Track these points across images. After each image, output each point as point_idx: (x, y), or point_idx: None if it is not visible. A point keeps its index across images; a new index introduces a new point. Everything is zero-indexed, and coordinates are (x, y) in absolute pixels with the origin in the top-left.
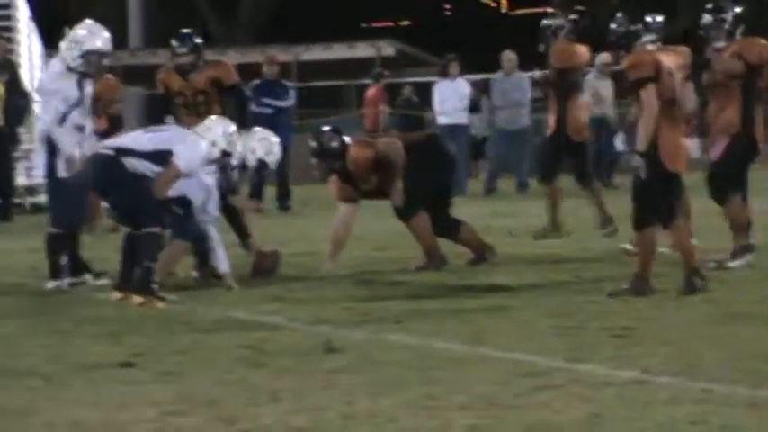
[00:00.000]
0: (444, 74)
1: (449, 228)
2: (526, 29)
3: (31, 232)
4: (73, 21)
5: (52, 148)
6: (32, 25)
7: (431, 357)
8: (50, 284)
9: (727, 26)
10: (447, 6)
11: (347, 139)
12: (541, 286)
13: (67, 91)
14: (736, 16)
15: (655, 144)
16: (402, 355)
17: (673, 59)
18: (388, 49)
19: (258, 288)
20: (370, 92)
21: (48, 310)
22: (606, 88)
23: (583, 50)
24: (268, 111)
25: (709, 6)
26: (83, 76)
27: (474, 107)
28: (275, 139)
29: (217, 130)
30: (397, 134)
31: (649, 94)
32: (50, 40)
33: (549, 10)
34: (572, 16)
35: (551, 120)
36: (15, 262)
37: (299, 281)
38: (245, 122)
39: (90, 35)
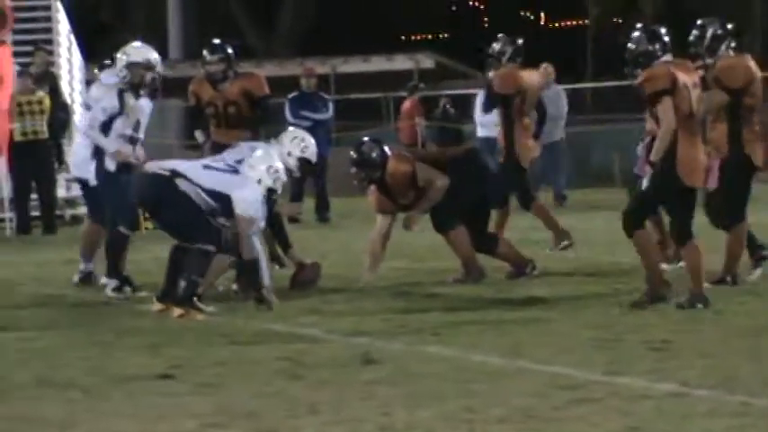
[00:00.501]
0: None
1: (487, 243)
2: (564, 41)
3: (71, 244)
4: (113, 34)
5: (98, 152)
6: (72, 38)
7: (468, 370)
8: (104, 280)
9: (706, 42)
10: (486, 19)
11: (387, 150)
12: (579, 299)
13: (106, 100)
14: (718, 33)
15: (672, 158)
16: (440, 367)
17: (689, 75)
18: (426, 61)
19: (296, 300)
20: (406, 105)
21: (87, 321)
22: None
23: (528, 75)
24: (306, 123)
25: (699, 22)
26: (130, 87)
27: None
28: (304, 133)
29: (261, 167)
30: (437, 148)
31: (666, 108)
32: (90, 52)
33: (587, 22)
34: (518, 40)
35: (501, 144)
36: (55, 274)
37: (337, 293)
38: (258, 135)
39: (138, 49)
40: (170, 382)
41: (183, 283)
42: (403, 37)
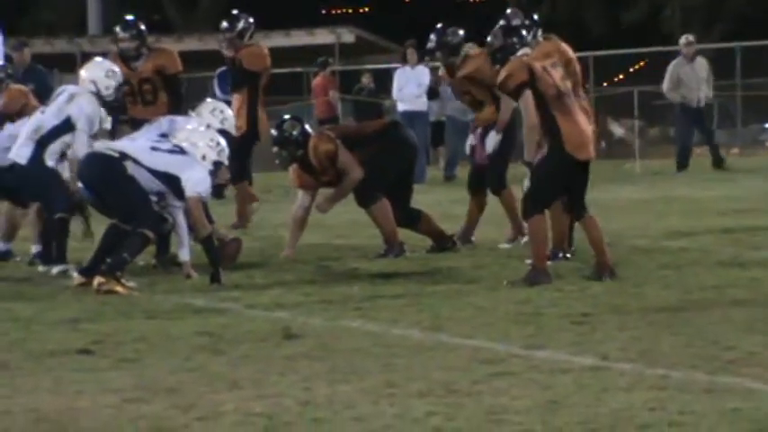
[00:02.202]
0: (405, 60)
1: (409, 218)
2: (485, 16)
3: None
4: (30, 9)
5: (39, 146)
6: None
7: (390, 344)
8: (57, 269)
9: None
10: None
11: (308, 128)
12: (499, 273)
13: (95, 117)
14: (523, 24)
15: (559, 138)
16: (361, 341)
17: (548, 58)
18: (347, 35)
19: None
20: (317, 81)
21: (6, 296)
22: (687, 73)
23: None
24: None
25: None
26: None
27: (433, 93)
28: (222, 105)
29: (202, 143)
30: (357, 124)
31: (527, 104)
32: (9, 29)
33: None
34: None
35: (241, 121)
36: None
37: (259, 268)
38: (178, 111)
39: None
40: (90, 357)
41: (112, 259)
42: (324, 11)
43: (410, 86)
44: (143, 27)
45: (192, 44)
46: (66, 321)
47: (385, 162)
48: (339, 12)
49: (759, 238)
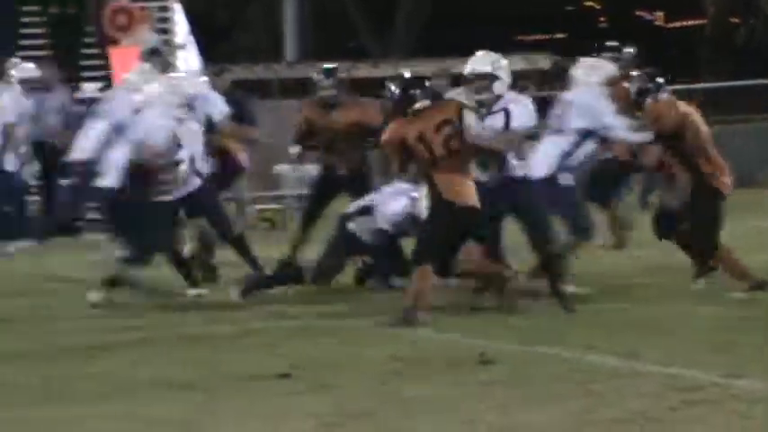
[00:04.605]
0: None
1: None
2: (681, 41)
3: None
4: (228, 35)
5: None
6: (191, 38)
7: (585, 371)
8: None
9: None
10: (602, 19)
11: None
12: (696, 300)
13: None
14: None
15: (437, 191)
16: (557, 368)
17: (422, 124)
18: (543, 61)
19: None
20: None
21: (198, 321)
22: None
23: None
24: None
25: None
26: None
27: None
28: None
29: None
30: None
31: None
32: (207, 53)
33: (705, 22)
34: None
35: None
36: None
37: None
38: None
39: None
40: (288, 381)
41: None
42: (519, 37)
43: None
44: (343, 75)
45: (387, 70)
46: (261, 345)
47: None
48: (533, 38)
49: None
